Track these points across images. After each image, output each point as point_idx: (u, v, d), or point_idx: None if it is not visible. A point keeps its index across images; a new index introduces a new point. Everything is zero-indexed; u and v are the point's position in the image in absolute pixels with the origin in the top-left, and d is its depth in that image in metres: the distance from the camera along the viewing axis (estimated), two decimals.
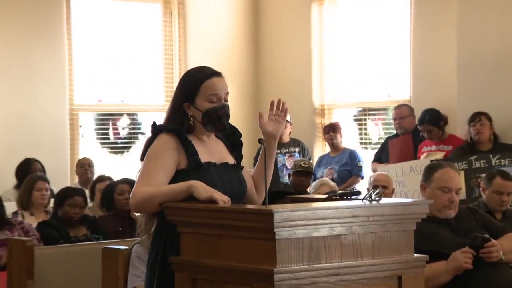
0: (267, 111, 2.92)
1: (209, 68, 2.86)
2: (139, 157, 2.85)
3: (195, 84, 2.80)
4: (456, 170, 3.66)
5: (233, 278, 2.48)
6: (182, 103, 2.81)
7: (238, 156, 2.91)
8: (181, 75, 2.96)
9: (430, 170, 3.64)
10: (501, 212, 4.81)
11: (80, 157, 7.30)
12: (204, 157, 2.78)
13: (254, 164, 2.94)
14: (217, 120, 2.79)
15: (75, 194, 5.04)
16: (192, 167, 2.74)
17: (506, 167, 5.70)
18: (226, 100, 2.82)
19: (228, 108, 2.83)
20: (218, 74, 2.84)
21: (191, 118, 2.80)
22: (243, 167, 2.92)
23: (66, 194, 5.06)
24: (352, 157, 7.06)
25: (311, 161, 7.29)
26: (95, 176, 6.59)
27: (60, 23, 7.43)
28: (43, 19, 7.35)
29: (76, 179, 7.10)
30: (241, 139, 2.94)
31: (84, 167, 6.90)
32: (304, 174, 6.16)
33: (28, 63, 7.26)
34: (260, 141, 2.81)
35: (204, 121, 2.79)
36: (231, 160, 2.87)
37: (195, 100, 2.79)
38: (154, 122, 2.83)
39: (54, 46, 7.38)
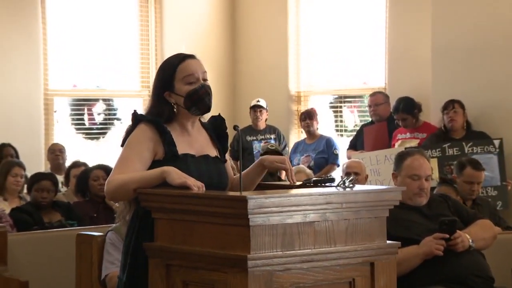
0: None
1: (183, 53, 2.84)
2: (114, 143, 2.85)
3: (171, 70, 2.79)
4: (425, 157, 3.68)
5: (206, 264, 2.48)
6: (162, 92, 2.79)
7: (222, 148, 2.89)
8: (157, 60, 2.96)
9: (400, 159, 3.67)
10: (471, 200, 4.87)
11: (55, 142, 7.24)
12: (182, 149, 2.76)
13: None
14: (199, 101, 2.76)
15: (42, 178, 5.00)
16: (168, 158, 2.73)
17: (478, 154, 5.76)
18: (205, 80, 2.79)
19: (209, 87, 2.79)
20: (191, 56, 2.82)
21: (175, 106, 2.77)
22: (226, 160, 2.89)
23: (34, 179, 5.04)
24: (328, 144, 7.07)
25: (287, 148, 7.31)
26: (68, 162, 6.54)
27: (35, 7, 7.34)
28: (17, 2, 7.26)
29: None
30: (227, 131, 2.89)
31: (55, 152, 6.81)
32: (273, 155, 6.13)
33: (2, 47, 7.17)
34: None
35: (187, 105, 2.76)
36: (213, 153, 2.84)
37: (174, 86, 2.77)
38: (135, 111, 2.81)
39: (28, 30, 7.30)
